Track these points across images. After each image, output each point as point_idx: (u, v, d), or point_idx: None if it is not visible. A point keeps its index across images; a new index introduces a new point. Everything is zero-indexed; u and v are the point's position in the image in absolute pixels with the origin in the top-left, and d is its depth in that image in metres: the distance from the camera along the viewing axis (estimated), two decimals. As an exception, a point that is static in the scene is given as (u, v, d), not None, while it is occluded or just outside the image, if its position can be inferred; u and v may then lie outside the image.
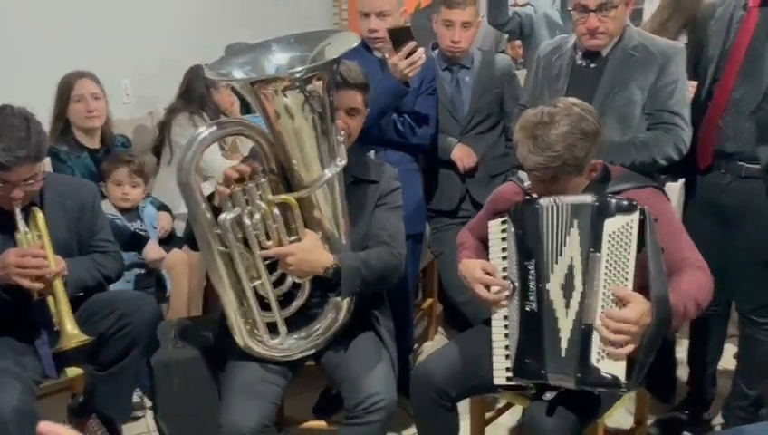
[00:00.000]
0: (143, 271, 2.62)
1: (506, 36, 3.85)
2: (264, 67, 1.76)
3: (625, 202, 1.57)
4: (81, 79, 2.70)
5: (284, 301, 1.82)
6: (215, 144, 2.54)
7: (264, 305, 1.79)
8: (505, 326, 1.73)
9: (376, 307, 1.98)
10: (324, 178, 1.71)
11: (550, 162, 1.63)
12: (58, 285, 1.87)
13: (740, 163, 2.05)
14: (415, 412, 1.91)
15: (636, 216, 1.55)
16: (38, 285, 1.84)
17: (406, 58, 2.18)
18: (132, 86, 3.70)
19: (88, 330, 1.89)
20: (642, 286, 1.54)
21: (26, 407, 1.77)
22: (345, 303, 1.85)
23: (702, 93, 2.13)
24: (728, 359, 2.47)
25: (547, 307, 1.64)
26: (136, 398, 2.45)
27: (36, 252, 1.84)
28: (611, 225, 1.56)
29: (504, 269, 1.75)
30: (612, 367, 1.54)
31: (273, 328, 1.81)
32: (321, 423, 2.11)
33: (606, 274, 1.55)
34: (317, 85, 1.63)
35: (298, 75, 1.61)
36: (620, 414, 2.18)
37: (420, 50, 2.19)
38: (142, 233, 2.65)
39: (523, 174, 1.82)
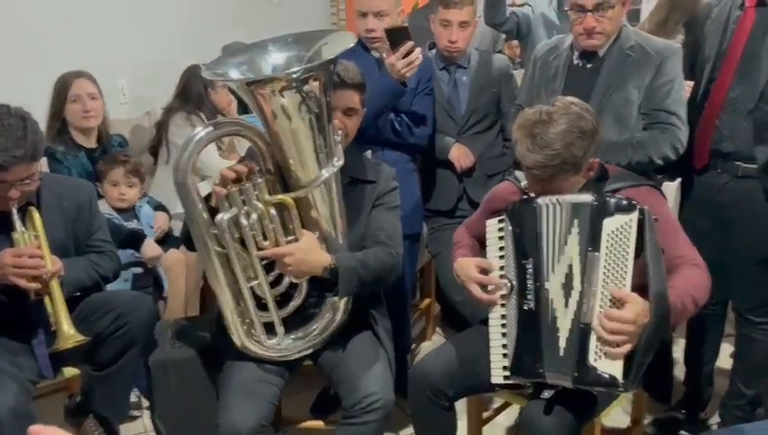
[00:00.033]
0: (141, 270, 2.62)
1: (504, 36, 3.85)
2: (260, 67, 1.76)
3: (624, 202, 1.57)
4: (78, 79, 2.69)
5: (282, 301, 1.81)
6: (212, 144, 2.54)
7: (262, 305, 1.79)
8: (503, 325, 1.74)
9: (373, 307, 1.98)
10: (321, 179, 1.71)
11: (548, 161, 1.63)
12: (55, 285, 1.86)
13: (737, 163, 2.06)
14: (412, 412, 1.91)
15: (635, 215, 1.55)
16: (35, 285, 1.84)
17: (403, 58, 2.18)
18: (129, 86, 3.69)
19: (85, 330, 1.89)
20: (641, 285, 1.55)
21: (23, 407, 1.77)
22: (342, 303, 1.85)
23: (699, 93, 2.13)
24: (725, 358, 2.48)
25: (545, 306, 1.64)
26: (133, 398, 2.45)
27: (33, 252, 1.84)
28: (610, 224, 1.56)
29: (502, 268, 1.75)
30: (610, 366, 1.54)
31: (270, 328, 1.81)
32: (319, 423, 2.11)
33: (604, 273, 1.56)
34: (314, 85, 1.63)
35: (295, 76, 1.61)
36: (617, 413, 2.19)
37: (417, 50, 2.20)
38: (139, 230, 2.65)
39: (519, 173, 1.83)
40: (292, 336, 1.85)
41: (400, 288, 2.35)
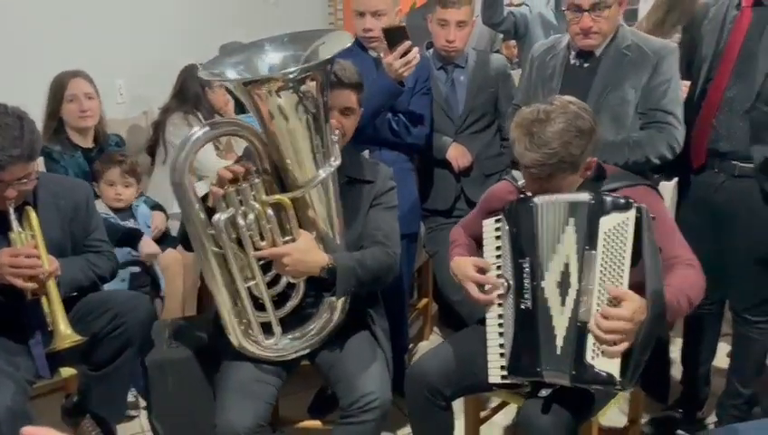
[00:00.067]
0: (138, 269, 2.61)
1: (501, 36, 3.85)
2: (257, 67, 1.76)
3: (621, 200, 1.57)
4: (75, 78, 2.69)
5: (279, 301, 1.81)
6: (209, 144, 2.54)
7: (259, 305, 1.79)
8: (500, 325, 1.74)
9: (371, 307, 1.98)
10: (318, 179, 1.71)
11: (546, 159, 1.63)
12: (51, 285, 1.86)
13: (733, 162, 2.06)
14: (409, 411, 1.91)
15: (632, 213, 1.55)
16: (31, 285, 1.84)
17: (401, 57, 2.18)
18: (126, 86, 3.69)
19: (82, 330, 1.89)
20: (638, 283, 1.55)
21: (20, 407, 1.76)
22: (340, 303, 1.85)
23: (696, 93, 2.14)
24: (722, 357, 2.48)
25: (542, 305, 1.65)
26: (130, 398, 2.45)
27: (30, 252, 1.84)
28: (607, 222, 1.56)
29: (499, 268, 1.75)
30: (607, 365, 1.54)
31: (267, 328, 1.81)
32: (316, 423, 2.11)
33: (601, 271, 1.56)
34: (311, 86, 1.63)
35: (291, 76, 1.61)
36: (614, 413, 2.19)
37: (415, 49, 2.19)
38: (136, 228, 2.64)
39: (517, 173, 1.83)
40: (290, 336, 1.85)
41: (398, 288, 2.35)
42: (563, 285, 1.62)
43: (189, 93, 3.03)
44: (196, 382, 2.04)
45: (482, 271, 1.77)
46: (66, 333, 1.84)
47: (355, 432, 1.78)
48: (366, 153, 2.29)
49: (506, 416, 2.38)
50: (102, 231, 2.16)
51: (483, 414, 2.14)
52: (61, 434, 0.79)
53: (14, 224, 1.87)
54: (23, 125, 1.82)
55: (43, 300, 1.87)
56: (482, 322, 1.81)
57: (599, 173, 1.78)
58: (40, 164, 2.30)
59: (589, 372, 1.55)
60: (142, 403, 2.49)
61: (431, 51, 2.71)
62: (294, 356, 1.86)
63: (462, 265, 1.80)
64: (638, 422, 2.13)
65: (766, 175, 2.01)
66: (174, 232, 2.73)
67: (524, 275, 1.67)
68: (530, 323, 1.66)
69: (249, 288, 1.76)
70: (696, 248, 1.73)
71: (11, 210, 1.86)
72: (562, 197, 1.65)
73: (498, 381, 1.73)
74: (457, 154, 2.66)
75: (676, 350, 2.43)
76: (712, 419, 2.39)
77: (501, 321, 1.73)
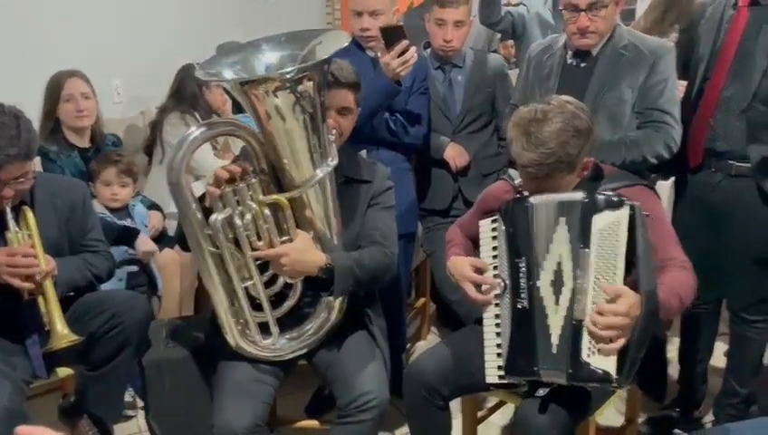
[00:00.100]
0: (136, 268, 2.61)
1: (498, 36, 3.85)
2: (254, 67, 1.76)
3: (614, 198, 1.58)
4: (71, 78, 2.68)
5: (276, 301, 1.81)
6: (207, 144, 2.53)
7: (256, 305, 1.79)
8: (497, 325, 1.74)
9: (368, 306, 1.98)
10: (316, 179, 1.71)
11: (544, 159, 1.63)
12: (48, 285, 1.86)
13: (730, 162, 2.06)
14: (407, 411, 1.91)
15: (625, 211, 1.55)
16: (28, 285, 1.84)
17: (398, 57, 2.18)
18: (123, 85, 3.68)
19: (79, 330, 1.89)
20: (632, 280, 1.55)
21: (16, 407, 1.76)
22: (337, 302, 1.85)
23: (693, 92, 2.14)
24: (719, 357, 2.48)
25: (538, 304, 1.65)
26: (127, 397, 2.44)
27: (26, 251, 1.84)
28: (600, 221, 1.56)
29: (495, 268, 1.75)
30: (603, 362, 1.54)
31: (264, 328, 1.81)
32: (314, 423, 2.10)
33: (596, 269, 1.56)
34: (308, 86, 1.63)
35: (288, 76, 1.60)
36: (612, 412, 2.19)
37: (412, 49, 2.19)
38: (132, 226, 2.64)
39: (513, 172, 1.83)
40: (287, 336, 1.85)
41: (395, 288, 2.35)
42: (558, 283, 1.62)
43: (186, 93, 3.02)
44: (194, 382, 2.04)
45: (479, 271, 1.77)
46: (63, 333, 1.84)
47: (353, 432, 1.78)
48: (363, 153, 2.29)
49: (504, 416, 2.38)
50: (99, 231, 2.16)
51: (480, 414, 2.14)
52: (56, 434, 0.79)
53: (11, 223, 1.87)
54: (19, 124, 1.82)
55: (40, 300, 1.87)
56: (479, 321, 1.81)
57: (596, 173, 1.78)
58: (37, 164, 2.30)
59: (585, 369, 1.56)
60: (139, 403, 2.49)
61: (429, 50, 2.71)
62: (292, 356, 1.86)
63: (459, 264, 1.80)
64: (635, 421, 2.13)
65: (763, 174, 2.02)
66: (171, 232, 2.73)
67: (521, 275, 1.68)
68: (527, 323, 1.66)
69: (246, 288, 1.76)
70: (692, 248, 1.74)
71: (8, 210, 1.86)
72: (556, 196, 1.66)
73: (495, 380, 1.73)
74: (455, 154, 2.66)
75: (673, 349, 2.43)
76: (709, 418, 2.40)
77: (498, 321, 1.74)
